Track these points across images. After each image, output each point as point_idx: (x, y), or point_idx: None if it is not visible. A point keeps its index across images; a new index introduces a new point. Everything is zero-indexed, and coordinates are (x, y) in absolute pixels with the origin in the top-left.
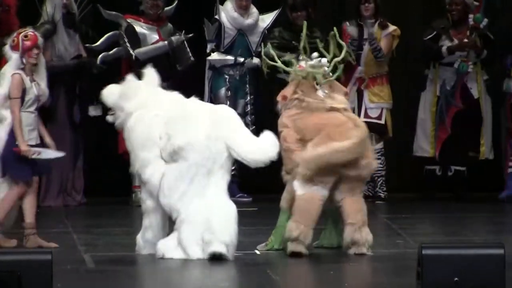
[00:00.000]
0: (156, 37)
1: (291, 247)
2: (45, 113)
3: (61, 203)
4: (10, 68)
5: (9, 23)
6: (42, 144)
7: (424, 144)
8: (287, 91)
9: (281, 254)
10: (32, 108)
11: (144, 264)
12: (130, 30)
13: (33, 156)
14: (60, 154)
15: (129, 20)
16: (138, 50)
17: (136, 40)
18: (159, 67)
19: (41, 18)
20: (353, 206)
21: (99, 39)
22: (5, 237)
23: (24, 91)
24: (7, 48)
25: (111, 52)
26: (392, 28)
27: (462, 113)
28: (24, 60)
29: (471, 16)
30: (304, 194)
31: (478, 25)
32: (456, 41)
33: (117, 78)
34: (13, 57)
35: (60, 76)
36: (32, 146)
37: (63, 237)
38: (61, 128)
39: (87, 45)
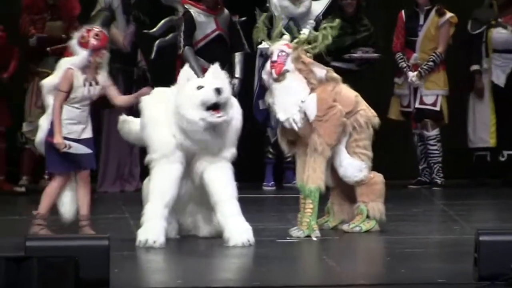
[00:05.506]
0: (214, 26)
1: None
2: (103, 99)
3: (118, 188)
4: (71, 62)
5: (67, 8)
6: (94, 141)
7: (484, 135)
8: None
9: (331, 241)
10: (78, 105)
11: (198, 248)
12: (188, 18)
13: (64, 150)
14: (88, 150)
15: (186, 6)
16: (185, 52)
17: (192, 28)
18: (215, 55)
19: (97, 5)
20: None
21: (152, 25)
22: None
23: (71, 88)
24: (74, 43)
25: (167, 37)
26: (449, 15)
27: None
28: (91, 59)
29: None
30: (377, 175)
31: None
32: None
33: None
34: (81, 54)
35: (116, 63)
36: (70, 140)
37: (120, 223)
38: (119, 113)
39: (144, 31)
